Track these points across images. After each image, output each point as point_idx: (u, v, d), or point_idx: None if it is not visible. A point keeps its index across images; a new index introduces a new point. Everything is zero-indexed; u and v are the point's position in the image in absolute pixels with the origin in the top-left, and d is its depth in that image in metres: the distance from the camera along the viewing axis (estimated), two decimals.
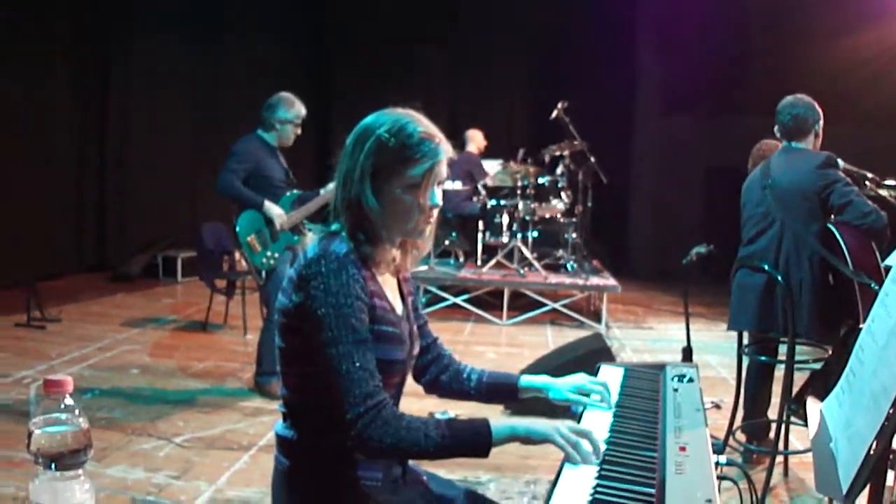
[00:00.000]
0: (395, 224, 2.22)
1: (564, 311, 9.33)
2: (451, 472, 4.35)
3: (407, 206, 2.18)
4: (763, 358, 4.86)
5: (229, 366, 6.86)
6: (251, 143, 6.02)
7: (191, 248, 10.59)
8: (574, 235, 9.98)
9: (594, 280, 9.40)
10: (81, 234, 11.20)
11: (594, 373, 2.81)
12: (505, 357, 7.58)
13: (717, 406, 5.88)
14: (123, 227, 11.59)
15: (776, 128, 4.84)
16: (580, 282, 9.29)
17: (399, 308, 2.36)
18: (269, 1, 12.91)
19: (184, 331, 8.23)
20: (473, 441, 2.08)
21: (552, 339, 8.42)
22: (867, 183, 4.96)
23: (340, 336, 2.05)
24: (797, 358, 4.55)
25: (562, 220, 9.93)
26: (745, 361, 4.90)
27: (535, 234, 9.78)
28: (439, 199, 2.23)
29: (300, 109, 6.05)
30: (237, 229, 5.86)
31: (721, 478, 2.31)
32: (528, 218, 9.52)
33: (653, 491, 1.87)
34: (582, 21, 12.74)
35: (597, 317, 9.24)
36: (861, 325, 4.39)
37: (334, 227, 2.24)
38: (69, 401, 1.48)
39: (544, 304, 9.33)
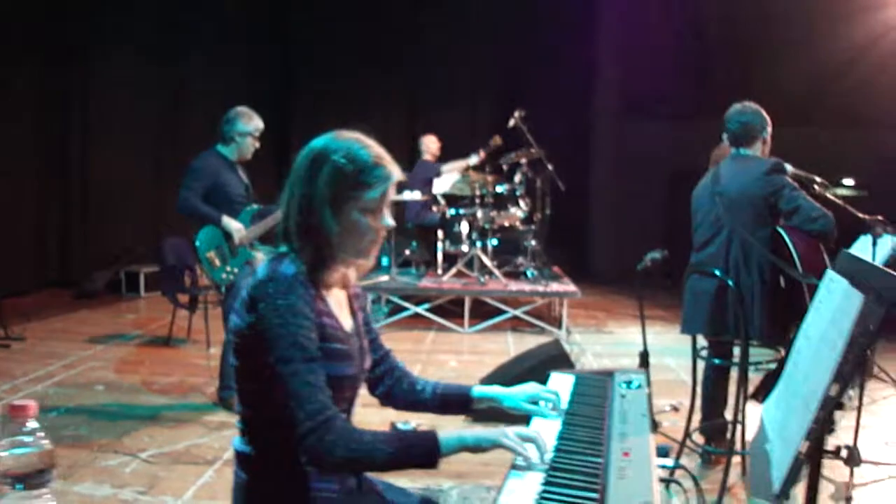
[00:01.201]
0: (351, 246, 2.31)
1: (525, 317, 9.42)
2: (413, 480, 4.45)
3: (363, 229, 2.29)
4: (717, 361, 4.97)
5: (193, 380, 6.88)
6: (209, 159, 6.05)
7: (153, 263, 10.57)
8: (533, 242, 10.08)
9: (554, 286, 9.49)
10: (44, 251, 11.14)
11: (544, 381, 2.89)
12: (467, 365, 7.66)
13: (676, 409, 5.98)
14: (86, 243, 11.54)
15: (724, 135, 4.95)
16: (540, 288, 9.38)
17: (348, 325, 2.44)
18: (229, 17, 12.92)
19: (148, 346, 8.23)
20: (422, 453, 2.15)
21: (513, 345, 8.50)
22: (816, 186, 5.05)
23: (290, 354, 2.12)
24: (755, 359, 4.68)
25: (521, 227, 10.03)
26: (702, 364, 5.01)
27: (495, 242, 9.88)
28: (390, 221, 2.34)
29: (258, 123, 6.11)
30: (197, 245, 5.90)
31: (667, 480, 2.41)
32: (487, 226, 9.61)
33: (596, 496, 1.95)
34: (540, 27, 12.81)
35: (558, 322, 9.31)
36: None
37: (283, 248, 2.33)
38: (33, 423, 1.55)
39: (506, 312, 9.41)
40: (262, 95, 12.34)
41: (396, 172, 2.32)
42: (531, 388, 2.63)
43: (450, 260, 9.93)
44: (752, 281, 4.61)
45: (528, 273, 10.04)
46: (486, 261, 9.60)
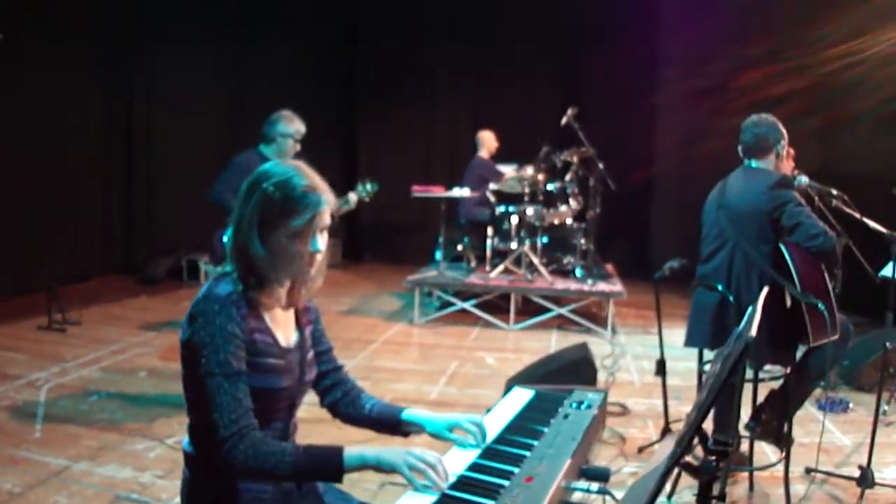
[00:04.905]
0: (281, 268, 2.46)
1: (571, 316, 9.44)
2: None
3: (291, 253, 2.43)
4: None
5: None
6: (250, 157, 6.29)
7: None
8: (583, 241, 10.10)
9: (601, 286, 9.48)
10: (109, 237, 11.49)
11: (505, 392, 2.97)
12: (503, 363, 7.73)
13: None
14: (151, 230, 11.89)
15: (739, 147, 4.92)
16: (586, 287, 9.39)
17: (290, 340, 2.59)
18: (297, 12, 13.18)
19: None
20: (325, 468, 2.31)
21: (556, 344, 8.52)
22: (833, 200, 4.97)
23: (214, 369, 2.31)
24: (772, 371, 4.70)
25: (573, 225, 10.09)
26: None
27: (545, 239, 9.92)
28: (321, 246, 2.47)
29: (299, 126, 6.31)
30: (224, 241, 6.09)
31: None
32: (537, 224, 9.66)
33: None
34: (604, 17, 12.76)
35: (605, 321, 9.32)
36: (812, 346, 4.51)
37: (227, 268, 2.49)
38: None
39: (551, 310, 9.43)
40: (329, 93, 12.64)
41: (328, 200, 2.45)
42: (457, 415, 2.71)
43: (499, 256, 9.98)
44: (753, 296, 4.58)
45: (577, 271, 10.06)
46: (534, 258, 9.62)
